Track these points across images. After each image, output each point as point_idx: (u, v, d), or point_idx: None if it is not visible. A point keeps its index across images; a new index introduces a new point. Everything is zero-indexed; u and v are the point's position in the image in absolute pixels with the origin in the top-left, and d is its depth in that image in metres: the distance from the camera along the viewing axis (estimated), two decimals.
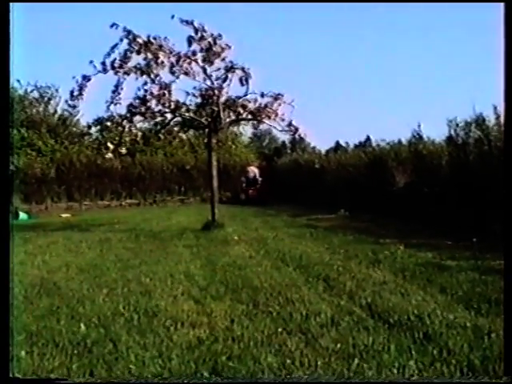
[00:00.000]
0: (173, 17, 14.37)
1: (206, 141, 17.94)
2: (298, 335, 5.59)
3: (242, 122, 18.33)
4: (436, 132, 21.17)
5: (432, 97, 76.15)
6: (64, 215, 24.53)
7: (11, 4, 4.00)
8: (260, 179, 29.44)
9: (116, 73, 14.70)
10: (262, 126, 18.13)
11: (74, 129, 35.74)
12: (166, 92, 15.04)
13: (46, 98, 36.20)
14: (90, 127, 17.37)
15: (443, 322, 5.85)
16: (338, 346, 5.21)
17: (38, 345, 5.45)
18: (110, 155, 16.38)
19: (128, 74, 14.77)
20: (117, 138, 16.02)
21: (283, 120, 15.51)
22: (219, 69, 15.15)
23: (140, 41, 14.45)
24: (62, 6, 43.37)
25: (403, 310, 6.33)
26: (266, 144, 60.40)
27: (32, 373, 4.73)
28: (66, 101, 16.23)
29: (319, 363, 4.79)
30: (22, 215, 22.91)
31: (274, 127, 16.25)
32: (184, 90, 15.68)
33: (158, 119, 16.20)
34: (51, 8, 40.78)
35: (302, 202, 25.24)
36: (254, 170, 29.93)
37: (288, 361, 4.85)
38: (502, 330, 5.33)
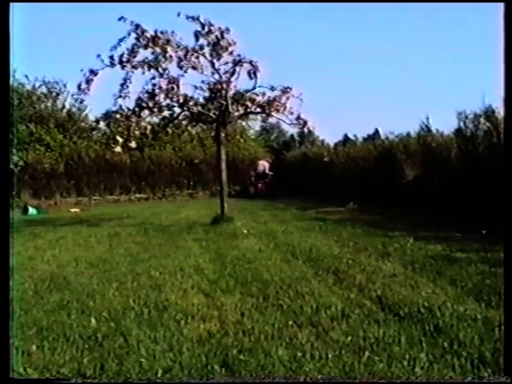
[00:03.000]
0: (179, 14, 14.36)
1: (214, 135, 17.92)
2: (309, 328, 5.60)
3: (251, 116, 18.28)
4: (445, 124, 21.16)
5: (440, 89, 75.94)
6: (73, 210, 24.55)
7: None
8: (270, 173, 29.38)
9: (123, 67, 14.70)
10: (271, 120, 18.10)
11: (83, 124, 35.73)
12: (174, 86, 15.03)
13: (54, 93, 36.23)
14: (98, 121, 17.34)
15: (454, 314, 5.84)
16: (349, 338, 5.22)
17: (48, 339, 5.46)
18: (118, 149, 16.37)
19: (136, 68, 14.76)
20: (125, 132, 16.01)
21: (292, 113, 15.48)
22: (227, 62, 15.14)
23: (148, 35, 14.46)
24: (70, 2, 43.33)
25: (413, 303, 6.33)
26: (275, 137, 60.31)
27: (43, 367, 4.74)
28: (73, 95, 16.27)
29: (330, 356, 4.78)
30: (32, 210, 22.96)
31: (283, 121, 16.24)
32: (192, 84, 15.70)
33: (166, 113, 16.19)
34: (59, 3, 40.76)
35: (311, 195, 25.28)
36: (263, 164, 29.88)
37: (299, 354, 4.85)
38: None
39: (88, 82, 14.87)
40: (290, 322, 5.77)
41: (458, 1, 28.17)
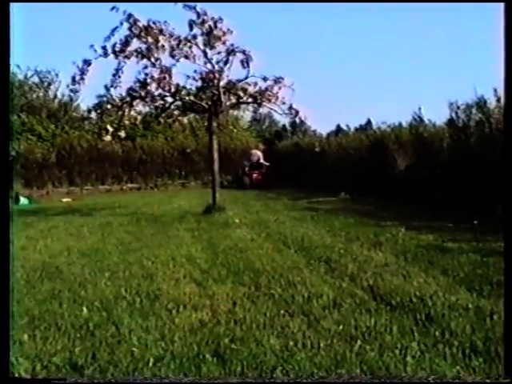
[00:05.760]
0: (176, 1, 14.37)
1: (206, 124, 17.90)
2: (300, 317, 5.61)
3: (243, 106, 18.25)
4: (437, 115, 21.21)
5: (433, 79, 75.90)
6: (65, 200, 24.51)
7: None
8: (266, 163, 29.06)
9: (116, 57, 14.66)
10: (263, 110, 18.08)
11: (75, 113, 35.67)
12: (166, 75, 14.99)
13: (46, 83, 36.20)
14: (90, 111, 17.31)
15: (445, 303, 5.86)
16: (340, 327, 5.23)
17: (40, 328, 5.47)
18: (108, 138, 16.33)
19: (128, 58, 14.72)
20: (116, 122, 15.99)
21: (284, 103, 15.48)
22: (220, 52, 15.09)
23: (140, 25, 14.41)
24: None
25: (405, 292, 6.34)
26: (266, 127, 60.20)
27: (35, 356, 4.74)
28: (68, 86, 16.20)
29: (321, 345, 4.80)
30: (23, 200, 22.92)
31: (275, 110, 16.22)
32: (184, 73, 15.67)
33: (159, 103, 16.16)
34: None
35: (303, 185, 25.30)
36: (257, 154, 29.58)
37: (290, 343, 4.87)
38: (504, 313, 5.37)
39: (82, 72, 14.84)
40: (282, 311, 5.78)
41: (457, 0, 27.99)
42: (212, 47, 14.92)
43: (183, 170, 32.11)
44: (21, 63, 33.86)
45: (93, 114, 17.58)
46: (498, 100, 13.79)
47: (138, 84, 15.20)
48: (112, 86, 15.12)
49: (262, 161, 29.15)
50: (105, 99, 15.59)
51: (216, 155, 16.04)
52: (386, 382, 4.23)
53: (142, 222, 14.15)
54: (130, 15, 14.38)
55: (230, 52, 14.99)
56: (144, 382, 4.31)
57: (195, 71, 15.65)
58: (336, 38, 74.89)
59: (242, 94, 15.85)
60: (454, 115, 15.64)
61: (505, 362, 4.25)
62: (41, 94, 35.85)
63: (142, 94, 15.32)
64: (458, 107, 15.40)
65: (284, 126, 55.98)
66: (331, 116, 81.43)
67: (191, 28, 14.72)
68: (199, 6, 14.57)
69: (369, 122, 41.99)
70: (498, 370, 4.21)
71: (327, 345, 4.81)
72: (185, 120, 19.34)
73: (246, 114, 38.98)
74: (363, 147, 22.28)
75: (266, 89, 15.45)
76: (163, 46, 14.66)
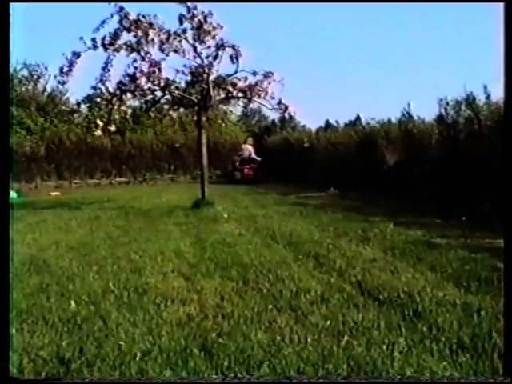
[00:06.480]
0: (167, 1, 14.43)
1: (195, 119, 17.87)
2: (288, 312, 5.61)
3: (232, 101, 18.24)
4: (426, 111, 21.18)
5: (422, 76, 75.89)
6: (54, 193, 24.44)
7: None
8: (258, 159, 28.80)
9: (106, 49, 14.63)
10: (252, 105, 18.05)
11: (64, 107, 35.56)
12: (155, 69, 14.97)
13: (35, 76, 36.02)
14: (79, 104, 17.28)
15: (433, 299, 5.86)
16: (328, 322, 5.23)
17: (28, 322, 5.45)
18: (99, 132, 16.33)
19: (118, 51, 14.70)
20: (106, 116, 15.98)
21: (273, 98, 15.49)
22: (209, 47, 15.09)
23: (130, 18, 14.39)
24: None
25: (393, 288, 6.34)
26: (255, 122, 59.99)
27: (22, 350, 4.72)
28: (55, 76, 16.14)
29: (309, 340, 4.79)
30: (12, 194, 22.80)
31: (264, 105, 16.21)
32: (174, 67, 15.66)
33: (148, 97, 16.14)
34: None
35: (292, 180, 25.27)
36: (248, 148, 29.32)
37: (278, 337, 4.86)
38: (491, 308, 5.40)
39: (71, 64, 14.80)
40: (270, 306, 5.78)
41: (457, 0, 27.99)
42: (202, 42, 14.92)
43: (172, 164, 32.06)
44: (12, 57, 33.75)
45: (82, 107, 17.57)
46: (488, 97, 13.85)
47: (127, 78, 15.17)
48: (102, 80, 15.10)
49: (253, 155, 28.96)
50: (97, 92, 15.56)
51: (205, 150, 16.02)
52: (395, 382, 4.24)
53: (131, 216, 14.13)
54: (121, 8, 14.36)
55: (220, 47, 14.99)
56: (145, 382, 4.30)
57: (185, 65, 15.66)
58: (327, 32, 74.74)
59: (231, 88, 15.86)
60: (443, 111, 15.67)
61: (505, 362, 4.25)
62: (30, 88, 35.69)
63: (132, 87, 15.29)
64: (448, 103, 15.43)
65: (273, 121, 55.82)
66: (320, 111, 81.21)
67: (181, 22, 14.72)
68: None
69: (358, 117, 41.93)
70: (485, 366, 4.21)
71: (314, 340, 4.81)
72: (174, 114, 19.32)
73: (235, 109, 38.89)
74: (352, 143, 22.25)
75: (256, 83, 15.46)
76: (153, 39, 14.64)
